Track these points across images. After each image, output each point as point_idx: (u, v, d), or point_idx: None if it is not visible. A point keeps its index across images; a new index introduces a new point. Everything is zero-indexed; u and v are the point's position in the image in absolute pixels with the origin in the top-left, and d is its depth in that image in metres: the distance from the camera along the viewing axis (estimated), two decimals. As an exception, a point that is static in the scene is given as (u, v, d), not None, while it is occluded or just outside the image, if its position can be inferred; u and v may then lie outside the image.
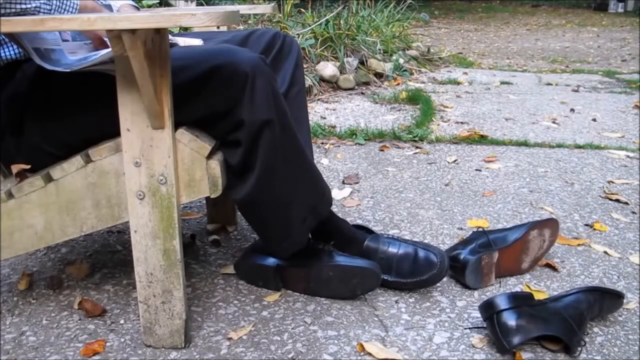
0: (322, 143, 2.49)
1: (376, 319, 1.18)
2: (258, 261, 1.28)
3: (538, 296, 1.16)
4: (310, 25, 3.84)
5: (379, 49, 4.10)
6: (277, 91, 1.05)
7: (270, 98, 1.02)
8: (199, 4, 4.18)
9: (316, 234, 1.32)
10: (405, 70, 4.17)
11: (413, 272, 1.25)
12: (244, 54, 1.01)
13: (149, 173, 0.99)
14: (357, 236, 1.32)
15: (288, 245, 1.21)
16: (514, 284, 1.32)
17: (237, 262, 1.33)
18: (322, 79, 3.55)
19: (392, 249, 1.28)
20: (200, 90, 1.00)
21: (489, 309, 1.09)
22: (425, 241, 1.53)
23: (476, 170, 2.14)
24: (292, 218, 1.16)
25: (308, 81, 3.36)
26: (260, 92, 1.00)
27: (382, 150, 2.40)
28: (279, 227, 1.18)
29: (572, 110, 3.17)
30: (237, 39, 1.32)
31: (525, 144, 2.49)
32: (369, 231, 1.36)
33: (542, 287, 1.31)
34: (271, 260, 1.27)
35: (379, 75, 3.92)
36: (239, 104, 1.00)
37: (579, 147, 2.45)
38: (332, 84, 3.59)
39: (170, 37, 1.11)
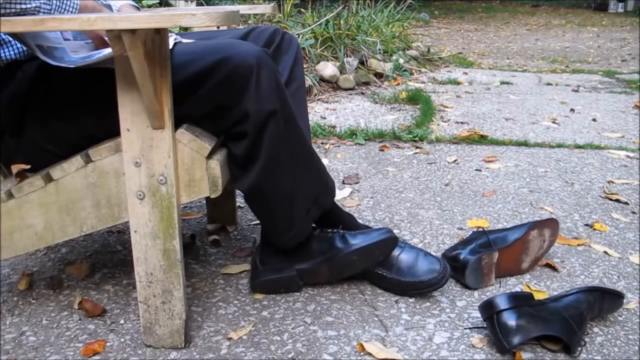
0: (322, 143, 2.49)
1: (376, 319, 1.18)
2: (276, 274, 1.26)
3: (538, 296, 1.16)
4: (310, 25, 3.84)
5: (379, 49, 4.10)
6: (280, 83, 1.06)
7: (275, 89, 1.03)
8: (199, 4, 4.18)
9: (322, 225, 1.33)
10: (405, 70, 4.17)
11: (413, 273, 1.25)
12: (247, 47, 1.02)
13: (149, 173, 0.99)
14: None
15: (292, 235, 1.22)
16: (514, 284, 1.32)
17: (252, 283, 1.29)
18: (322, 79, 3.55)
19: (397, 249, 1.28)
20: (205, 83, 1.01)
21: (489, 309, 1.09)
22: (425, 241, 1.53)
23: (476, 170, 2.14)
24: (296, 208, 1.18)
25: (308, 81, 3.36)
26: (266, 83, 1.01)
27: (382, 150, 2.40)
28: (283, 218, 1.19)
29: (572, 110, 3.17)
30: (237, 36, 1.32)
31: (525, 144, 2.49)
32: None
33: (542, 287, 1.31)
34: (289, 268, 1.26)
35: (379, 75, 3.92)
36: (244, 95, 1.01)
37: (579, 147, 2.45)
38: (332, 84, 3.59)
39: (175, 35, 1.11)
